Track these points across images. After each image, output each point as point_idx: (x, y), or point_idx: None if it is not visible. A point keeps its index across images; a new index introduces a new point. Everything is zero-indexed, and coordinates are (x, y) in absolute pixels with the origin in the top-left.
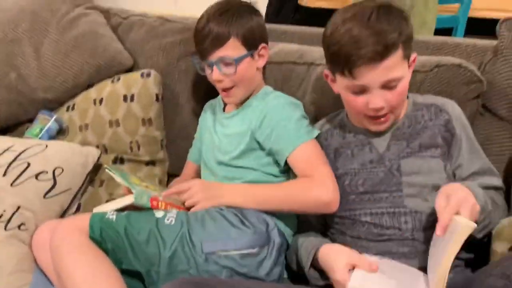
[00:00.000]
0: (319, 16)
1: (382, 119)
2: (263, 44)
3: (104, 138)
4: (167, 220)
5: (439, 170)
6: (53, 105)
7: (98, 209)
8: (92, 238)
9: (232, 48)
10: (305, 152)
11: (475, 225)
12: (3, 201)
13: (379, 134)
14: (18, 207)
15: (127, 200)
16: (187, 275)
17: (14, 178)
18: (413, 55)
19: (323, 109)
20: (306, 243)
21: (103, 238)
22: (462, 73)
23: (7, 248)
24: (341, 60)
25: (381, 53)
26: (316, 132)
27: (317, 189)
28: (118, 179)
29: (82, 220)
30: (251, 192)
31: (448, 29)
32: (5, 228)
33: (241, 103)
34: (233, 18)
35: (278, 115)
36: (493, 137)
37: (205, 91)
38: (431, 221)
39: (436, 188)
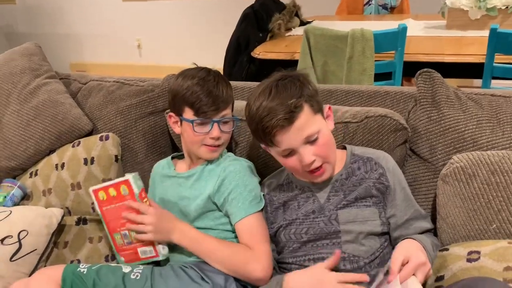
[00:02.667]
0: (271, 66)
1: (319, 171)
2: None
3: (67, 200)
4: (133, 275)
5: (373, 218)
6: (16, 172)
7: (94, 187)
8: None
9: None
10: (251, 223)
11: None
12: None
13: (321, 186)
14: None
15: (126, 176)
16: None
17: None
18: (326, 107)
19: (269, 162)
20: (266, 286)
21: None
22: (388, 122)
23: None
24: (260, 134)
25: (288, 118)
26: (263, 203)
27: (254, 265)
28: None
29: (55, 272)
30: (199, 242)
31: (388, 73)
32: None
33: (194, 163)
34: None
35: (236, 180)
36: (420, 178)
37: (160, 149)
38: (367, 263)
39: (371, 233)
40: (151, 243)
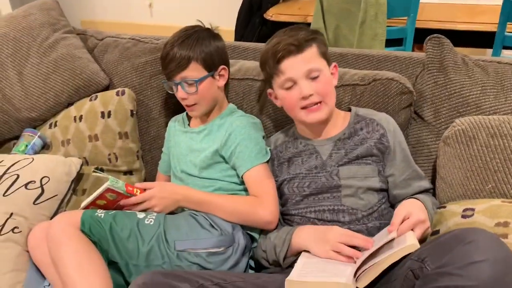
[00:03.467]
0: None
1: (315, 106)
2: (222, 66)
3: (85, 151)
4: (147, 220)
5: (372, 175)
6: (36, 123)
7: (83, 204)
8: (83, 231)
9: (194, 70)
10: (258, 173)
11: (418, 246)
12: None
13: (324, 143)
14: (11, 214)
15: (104, 186)
16: (161, 269)
17: (6, 189)
18: (333, 64)
19: (278, 121)
20: (277, 234)
21: (91, 232)
22: (395, 85)
23: (3, 251)
24: (269, 61)
25: (297, 46)
26: (269, 155)
27: (262, 210)
28: (102, 176)
29: (74, 216)
30: (205, 203)
31: (399, 39)
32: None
33: (206, 119)
34: (193, 44)
35: (241, 135)
36: (423, 140)
37: (174, 105)
38: (365, 216)
39: (370, 189)
40: None
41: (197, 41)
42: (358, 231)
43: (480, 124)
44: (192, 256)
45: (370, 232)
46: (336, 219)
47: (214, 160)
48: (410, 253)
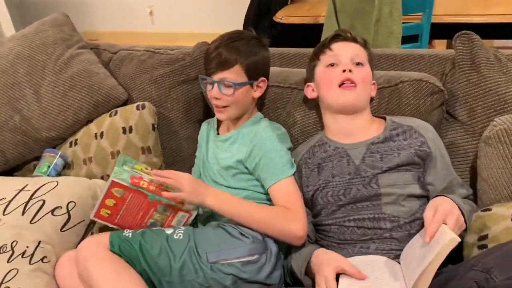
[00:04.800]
0: (293, 31)
1: (351, 85)
2: (263, 78)
3: (108, 168)
4: (176, 235)
5: (413, 182)
6: (56, 142)
7: (92, 212)
8: (112, 251)
9: (235, 73)
10: (285, 186)
11: (459, 239)
12: (25, 238)
13: (355, 146)
14: (39, 242)
15: (109, 180)
16: (196, 283)
17: (32, 216)
18: (374, 81)
19: (305, 130)
20: (301, 251)
21: (122, 252)
22: (424, 86)
23: (34, 280)
24: (327, 41)
25: (354, 38)
26: (294, 168)
27: (294, 223)
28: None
29: (102, 238)
30: (235, 205)
31: (414, 35)
32: (29, 263)
33: (233, 126)
34: (243, 48)
35: (266, 147)
36: (458, 141)
37: (195, 116)
38: (407, 223)
39: (411, 195)
40: (177, 212)
41: (247, 46)
42: (400, 237)
43: None
44: (226, 267)
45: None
46: (378, 226)
47: (239, 170)
48: (472, 264)
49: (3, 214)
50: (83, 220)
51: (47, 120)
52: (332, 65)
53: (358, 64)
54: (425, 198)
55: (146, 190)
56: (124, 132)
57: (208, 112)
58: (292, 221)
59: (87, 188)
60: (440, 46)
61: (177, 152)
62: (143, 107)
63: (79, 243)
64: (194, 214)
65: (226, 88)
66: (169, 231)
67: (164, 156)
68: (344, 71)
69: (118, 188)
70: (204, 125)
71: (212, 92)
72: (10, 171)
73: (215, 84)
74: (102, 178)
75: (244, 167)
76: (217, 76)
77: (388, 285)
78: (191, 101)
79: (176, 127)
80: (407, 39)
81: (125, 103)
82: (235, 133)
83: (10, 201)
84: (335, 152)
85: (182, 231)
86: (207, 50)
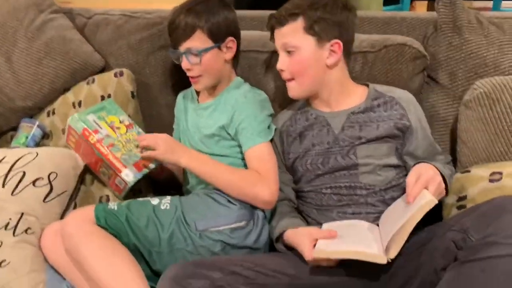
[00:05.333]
0: None
1: (288, 82)
2: (230, 38)
3: None
4: (163, 206)
5: (390, 153)
6: (33, 112)
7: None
8: (99, 225)
9: (198, 40)
10: (260, 150)
11: (436, 201)
12: (7, 210)
13: (335, 115)
14: (22, 214)
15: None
16: (185, 252)
17: (13, 187)
18: (334, 42)
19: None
20: (276, 225)
21: (108, 225)
22: (408, 51)
23: (19, 251)
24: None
25: (278, 19)
26: (272, 134)
27: (262, 188)
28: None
29: (87, 212)
30: (209, 166)
31: None
32: (13, 234)
33: (213, 92)
34: (201, 12)
35: (246, 112)
36: (439, 105)
37: (176, 82)
38: (383, 190)
39: (388, 165)
40: (116, 176)
41: (205, 9)
42: (375, 202)
43: (502, 85)
44: (214, 234)
45: (388, 204)
46: (353, 193)
47: (222, 136)
48: (450, 225)
49: None
50: (66, 191)
51: (22, 89)
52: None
53: (289, 52)
54: (402, 167)
55: (93, 146)
56: (103, 100)
57: (187, 79)
58: (259, 186)
59: (68, 158)
60: (421, 7)
61: (157, 120)
62: (121, 74)
63: (63, 213)
64: (129, 184)
65: (193, 57)
66: (155, 201)
67: (144, 124)
68: (280, 71)
69: (74, 133)
70: (179, 97)
71: (182, 64)
72: None
73: (183, 56)
74: None
75: (227, 133)
76: (182, 47)
77: (364, 243)
78: (170, 67)
79: (155, 94)
80: (388, 1)
81: (102, 70)
82: (216, 100)
83: None
84: (317, 120)
85: (168, 201)
86: (168, 21)
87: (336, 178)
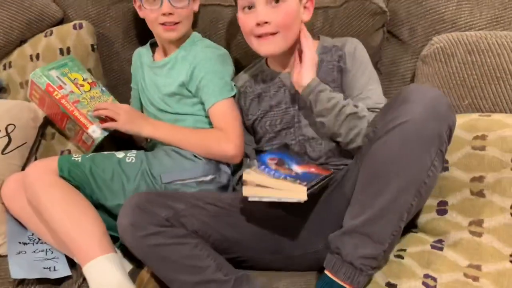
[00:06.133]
0: None
1: (270, 36)
2: None
3: None
4: (128, 159)
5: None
6: None
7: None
8: (62, 177)
9: None
10: (223, 107)
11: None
12: None
13: (289, 75)
14: None
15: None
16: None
17: None
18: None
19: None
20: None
21: (72, 177)
22: (368, 6)
23: None
24: None
25: None
26: (234, 90)
27: (226, 144)
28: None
29: (50, 162)
30: (171, 131)
31: None
32: None
33: (170, 50)
34: None
35: (206, 68)
36: (398, 60)
37: (137, 37)
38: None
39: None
40: (83, 132)
41: None
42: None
43: (458, 41)
44: (180, 187)
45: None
46: (303, 151)
47: (183, 95)
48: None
49: None
50: (25, 143)
51: None
52: (249, 7)
53: (276, 3)
54: None
55: (58, 102)
56: (62, 53)
57: (150, 33)
58: (223, 142)
59: (26, 110)
60: None
61: (119, 74)
62: (81, 26)
63: (24, 165)
64: (96, 141)
65: (179, 1)
66: (120, 155)
67: (106, 78)
68: (258, 24)
69: (37, 88)
70: (135, 55)
71: (163, 8)
72: None
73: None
74: None
75: (187, 90)
76: None
77: None
78: (132, 20)
79: (117, 48)
80: None
81: (61, 22)
82: (173, 56)
83: None
84: (273, 82)
85: (134, 155)
86: None
87: (288, 135)
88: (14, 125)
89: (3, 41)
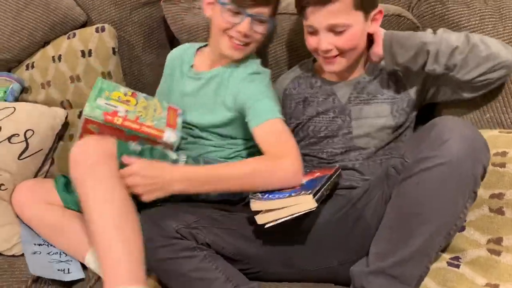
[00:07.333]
0: None
1: (332, 60)
2: None
3: (67, 93)
4: (181, 162)
5: (385, 114)
6: (11, 65)
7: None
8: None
9: (272, 8)
10: (276, 125)
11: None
12: None
13: (342, 85)
14: None
15: (81, 119)
16: None
17: None
18: (377, 10)
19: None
20: None
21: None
22: (403, 21)
23: None
24: (298, 2)
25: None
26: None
27: (285, 160)
28: (93, 93)
29: (108, 145)
30: (212, 176)
31: None
32: None
33: (216, 64)
34: None
35: (252, 91)
36: None
37: (158, 42)
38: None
39: (384, 127)
40: (156, 145)
41: None
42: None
43: None
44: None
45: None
46: (347, 161)
47: (234, 116)
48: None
49: None
50: (42, 149)
51: (0, 41)
52: (312, 32)
53: (339, 32)
54: (402, 127)
55: (121, 126)
56: (83, 55)
57: (172, 39)
58: (280, 158)
59: (46, 117)
60: None
61: (138, 78)
62: (103, 29)
63: (37, 173)
64: (175, 144)
65: (259, 24)
66: (173, 156)
67: (125, 82)
68: (325, 51)
69: (93, 124)
70: (176, 54)
71: (241, 26)
72: None
73: (248, 18)
74: (62, 103)
75: (234, 109)
76: (254, 10)
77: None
78: (153, 25)
79: (137, 52)
80: None
81: (84, 25)
82: (222, 70)
83: None
84: (322, 89)
85: (184, 160)
86: None
87: (333, 143)
88: (33, 130)
89: (27, 42)
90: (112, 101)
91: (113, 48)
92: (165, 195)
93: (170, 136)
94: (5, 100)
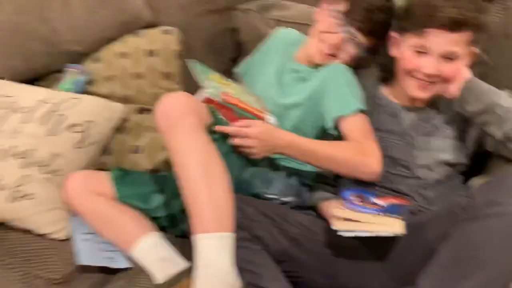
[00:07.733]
0: None
1: (427, 85)
2: None
3: (129, 89)
4: None
5: (448, 150)
6: (80, 57)
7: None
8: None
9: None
10: (361, 119)
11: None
12: (41, 149)
13: (406, 109)
14: (54, 155)
15: (200, 97)
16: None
17: (51, 128)
18: (474, 49)
19: None
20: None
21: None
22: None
23: (45, 188)
24: (422, 19)
25: (453, 25)
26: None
27: (371, 158)
28: (198, 74)
29: (202, 110)
30: (311, 151)
31: None
32: (43, 172)
33: (312, 61)
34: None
35: (338, 83)
36: None
37: (220, 49)
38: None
39: (444, 163)
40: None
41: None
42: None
43: None
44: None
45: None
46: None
47: (309, 109)
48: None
49: (24, 123)
50: (99, 141)
51: (76, 34)
52: (418, 52)
53: (448, 59)
54: (463, 164)
55: (234, 105)
56: (147, 55)
57: (232, 48)
58: (368, 155)
59: (106, 110)
60: None
61: (196, 84)
62: (170, 32)
63: (91, 164)
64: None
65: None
66: None
67: (184, 87)
68: (423, 72)
69: (211, 104)
70: (283, 33)
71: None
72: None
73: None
74: (122, 98)
75: (311, 101)
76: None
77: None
78: (217, 34)
79: (198, 58)
80: None
81: (151, 26)
82: (316, 69)
83: (31, 111)
84: (387, 107)
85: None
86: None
87: (390, 166)
88: (93, 122)
89: (98, 37)
90: (216, 83)
91: (178, 51)
92: (272, 153)
93: (271, 118)
94: (72, 91)
